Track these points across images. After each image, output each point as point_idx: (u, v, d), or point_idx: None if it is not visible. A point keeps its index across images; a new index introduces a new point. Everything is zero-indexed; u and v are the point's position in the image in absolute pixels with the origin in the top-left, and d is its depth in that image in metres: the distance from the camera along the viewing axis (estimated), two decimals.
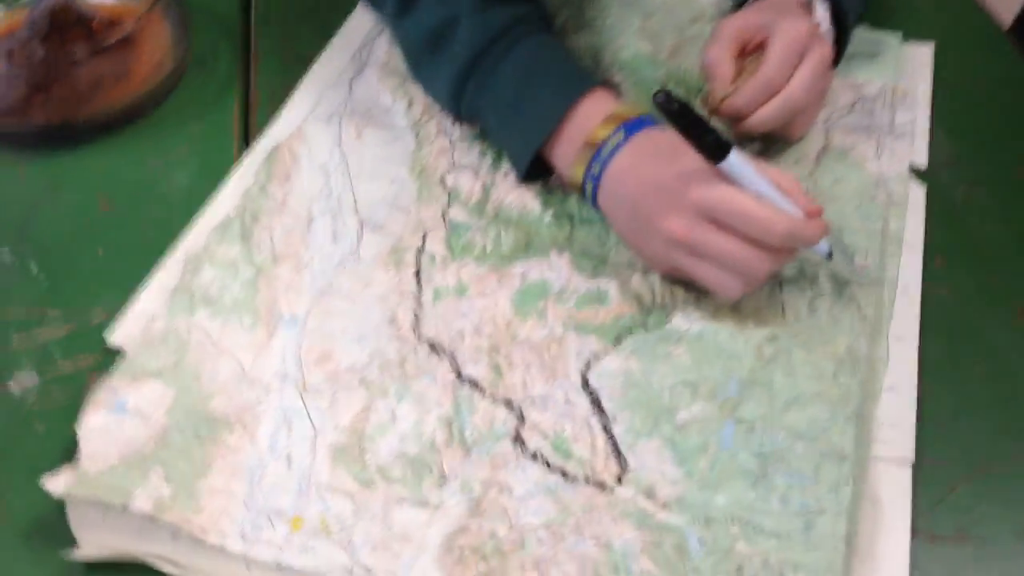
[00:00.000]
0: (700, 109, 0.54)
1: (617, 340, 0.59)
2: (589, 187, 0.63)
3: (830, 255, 0.59)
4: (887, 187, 0.68)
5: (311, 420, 0.55)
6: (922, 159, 0.71)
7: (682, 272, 0.60)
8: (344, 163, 0.71)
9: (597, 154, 0.61)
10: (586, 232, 0.66)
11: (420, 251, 0.65)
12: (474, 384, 0.57)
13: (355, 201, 0.69)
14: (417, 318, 0.60)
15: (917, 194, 0.68)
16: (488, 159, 0.71)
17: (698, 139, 0.55)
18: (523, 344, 0.59)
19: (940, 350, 0.60)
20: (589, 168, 0.62)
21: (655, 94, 0.53)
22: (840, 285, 0.61)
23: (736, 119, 0.66)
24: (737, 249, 0.56)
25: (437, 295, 0.62)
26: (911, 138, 0.72)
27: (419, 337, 0.59)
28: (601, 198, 0.62)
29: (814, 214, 0.56)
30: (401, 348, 0.59)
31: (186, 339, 0.59)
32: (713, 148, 0.55)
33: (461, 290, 0.62)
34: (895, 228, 0.65)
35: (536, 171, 0.67)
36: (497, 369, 0.58)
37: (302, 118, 0.75)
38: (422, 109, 0.75)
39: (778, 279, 0.62)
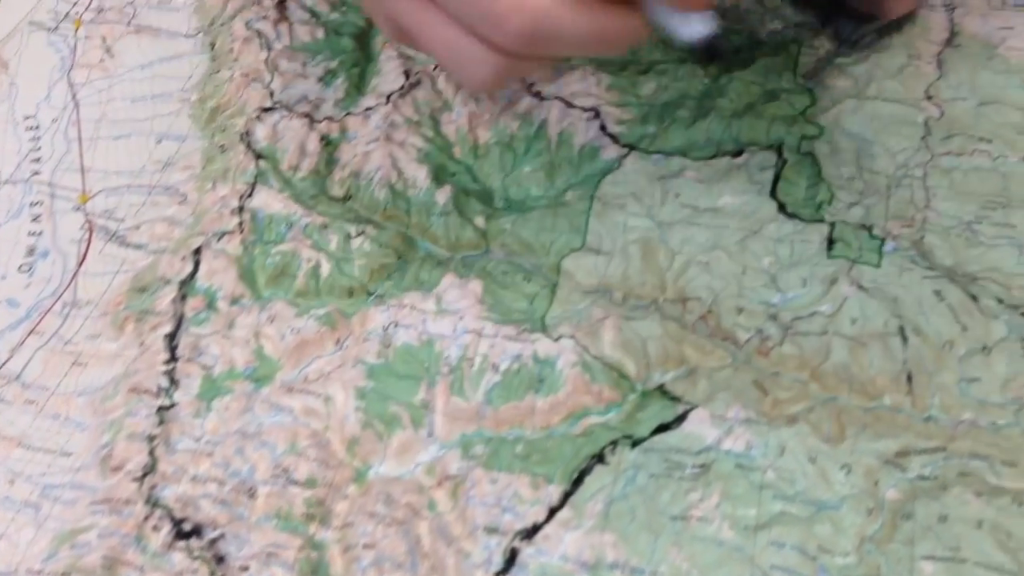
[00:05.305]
0: None
1: (573, 478, 0.28)
2: None
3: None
4: None
5: None
6: None
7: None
8: (73, 107, 0.39)
9: None
10: (515, 222, 0.34)
11: (186, 287, 0.33)
12: None
13: (83, 182, 0.37)
14: (155, 456, 0.29)
15: None
16: (340, 82, 0.38)
17: None
18: (376, 502, 0.28)
19: None
20: None
21: None
22: None
23: None
24: (455, 40, 0.28)
25: (208, 389, 0.30)
26: None
27: (153, 503, 0.28)
28: None
29: None
30: (116, 530, 0.28)
31: None
32: None
33: (261, 374, 0.31)
34: None
35: None
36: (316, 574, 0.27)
37: (16, 20, 0.42)
38: None
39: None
